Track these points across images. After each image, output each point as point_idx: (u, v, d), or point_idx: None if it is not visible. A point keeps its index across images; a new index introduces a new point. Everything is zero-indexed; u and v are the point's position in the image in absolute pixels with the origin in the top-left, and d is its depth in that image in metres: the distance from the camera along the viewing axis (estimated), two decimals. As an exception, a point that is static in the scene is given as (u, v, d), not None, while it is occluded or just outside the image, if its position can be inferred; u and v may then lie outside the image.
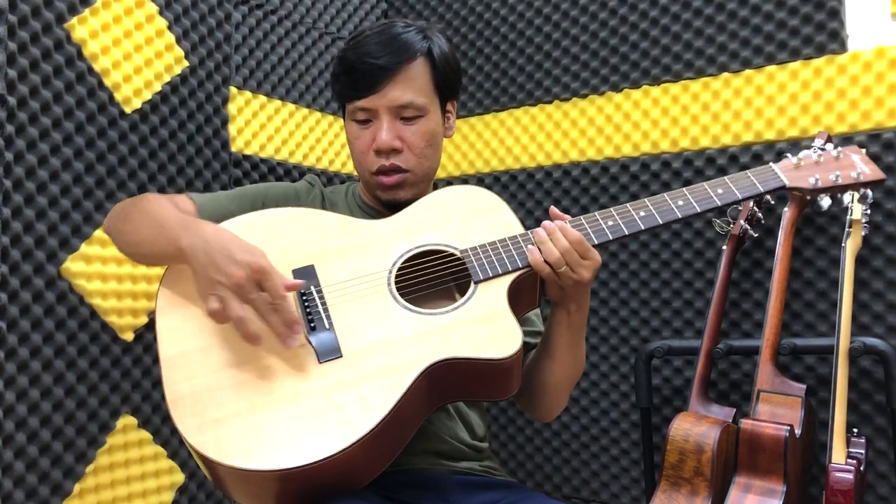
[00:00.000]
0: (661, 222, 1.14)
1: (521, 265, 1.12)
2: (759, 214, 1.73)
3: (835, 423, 1.45)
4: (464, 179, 2.23)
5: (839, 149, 1.22)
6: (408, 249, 1.16)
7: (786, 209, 1.65)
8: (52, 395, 1.43)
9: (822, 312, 1.69)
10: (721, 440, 1.45)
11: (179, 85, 1.70)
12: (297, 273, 1.13)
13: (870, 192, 1.21)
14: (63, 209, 1.46)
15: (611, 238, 1.14)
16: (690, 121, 1.88)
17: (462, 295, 1.12)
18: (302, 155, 2.03)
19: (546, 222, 1.14)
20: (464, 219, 1.20)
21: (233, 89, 1.85)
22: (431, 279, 1.16)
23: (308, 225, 1.19)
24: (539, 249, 1.12)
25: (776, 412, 1.49)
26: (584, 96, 2.04)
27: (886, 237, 1.63)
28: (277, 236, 1.17)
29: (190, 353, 1.07)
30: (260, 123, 1.92)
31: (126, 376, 1.55)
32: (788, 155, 1.21)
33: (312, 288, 1.11)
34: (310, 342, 1.06)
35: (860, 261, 1.63)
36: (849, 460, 1.43)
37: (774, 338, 1.59)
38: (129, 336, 1.55)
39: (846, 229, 1.57)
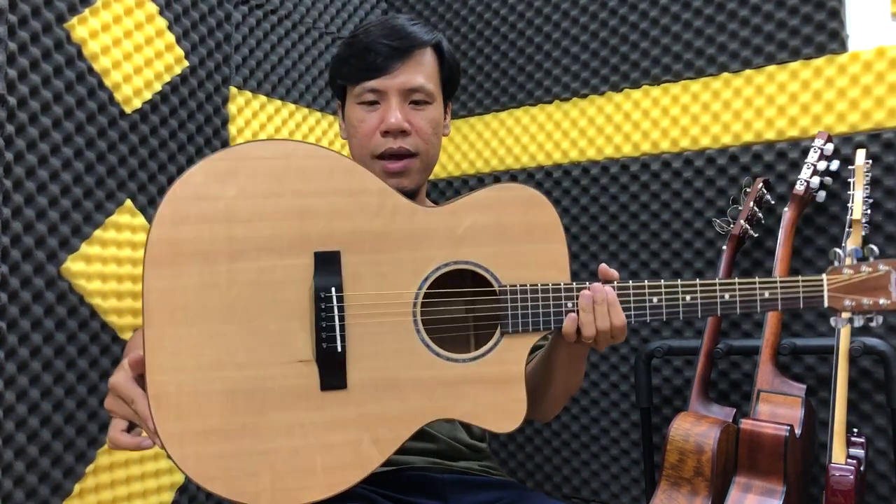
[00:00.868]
0: (699, 316, 1.09)
1: (553, 328, 1.04)
2: (759, 214, 1.73)
3: (835, 423, 1.45)
4: (464, 179, 2.23)
5: (886, 266, 1.13)
6: (445, 263, 1.03)
7: (786, 209, 1.65)
8: (52, 395, 1.42)
9: (823, 312, 1.69)
10: (721, 440, 1.45)
11: (179, 85, 1.70)
12: (320, 258, 0.98)
13: (881, 318, 1.16)
14: (63, 209, 1.46)
15: (647, 321, 1.09)
16: (690, 121, 1.88)
17: (477, 321, 1.07)
18: (302, 155, 2.03)
19: (596, 287, 1.06)
20: (516, 236, 1.06)
21: (233, 89, 1.85)
22: (458, 308, 1.08)
23: (346, 188, 1.02)
24: (578, 316, 1.04)
25: (776, 412, 1.49)
26: (584, 96, 2.04)
27: (886, 237, 1.63)
28: (306, 192, 0.99)
29: (179, 335, 0.93)
30: (260, 123, 1.92)
31: (126, 376, 1.55)
32: (839, 253, 1.16)
33: (333, 293, 0.97)
34: (316, 363, 0.96)
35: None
36: (849, 460, 1.43)
37: (774, 338, 1.59)
38: (129, 336, 1.55)
39: (846, 229, 1.57)
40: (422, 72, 1.24)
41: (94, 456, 1.48)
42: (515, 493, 1.22)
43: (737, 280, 1.10)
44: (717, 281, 1.09)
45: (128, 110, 1.59)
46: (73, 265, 1.46)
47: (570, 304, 1.05)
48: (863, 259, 1.14)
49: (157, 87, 1.66)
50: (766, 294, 1.09)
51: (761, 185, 1.71)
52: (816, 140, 1.64)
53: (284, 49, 2.00)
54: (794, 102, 1.75)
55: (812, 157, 1.63)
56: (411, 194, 1.27)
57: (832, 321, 1.18)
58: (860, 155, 1.59)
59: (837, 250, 1.16)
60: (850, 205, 1.57)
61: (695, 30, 1.88)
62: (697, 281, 1.08)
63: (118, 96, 1.57)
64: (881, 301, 1.12)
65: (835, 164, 1.64)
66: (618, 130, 1.98)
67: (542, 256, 1.06)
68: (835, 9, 1.71)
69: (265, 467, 0.91)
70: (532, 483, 2.06)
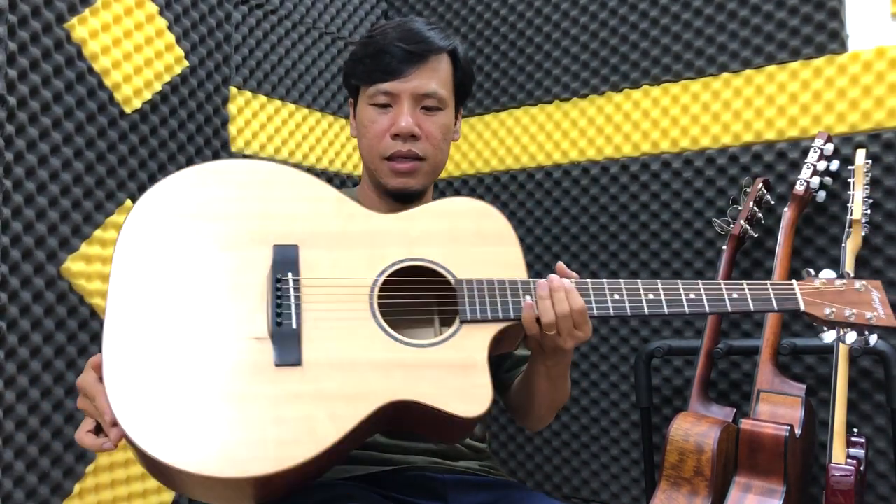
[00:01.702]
0: (665, 313, 1.08)
1: (512, 316, 1.05)
2: (759, 214, 1.73)
3: (835, 423, 1.45)
4: (464, 180, 2.23)
5: (864, 282, 1.14)
6: (401, 259, 1.07)
7: (786, 209, 1.65)
8: (52, 395, 1.42)
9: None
10: (721, 440, 1.45)
11: (179, 85, 1.70)
12: (278, 250, 1.03)
13: (874, 337, 1.14)
14: (63, 209, 1.46)
15: (611, 314, 1.08)
16: (690, 121, 1.88)
17: (443, 324, 1.06)
18: (302, 155, 2.03)
19: (553, 277, 1.07)
20: (469, 240, 1.10)
21: (233, 89, 1.85)
22: (416, 301, 1.08)
23: (304, 195, 1.09)
24: (536, 305, 1.05)
25: (776, 412, 1.49)
26: (584, 96, 2.04)
27: (886, 237, 1.63)
28: (268, 198, 1.06)
29: (142, 309, 0.96)
30: (260, 123, 1.92)
31: (126, 376, 1.55)
32: (811, 272, 1.15)
33: (290, 276, 1.01)
34: (271, 339, 0.97)
35: (860, 261, 1.63)
36: (849, 460, 1.43)
37: (774, 338, 1.59)
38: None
39: (846, 229, 1.57)
40: (435, 77, 1.23)
41: (94, 456, 1.48)
42: (515, 493, 1.21)
43: (701, 282, 1.10)
44: (679, 282, 1.09)
45: (128, 110, 1.59)
46: (73, 265, 1.46)
47: (528, 298, 1.06)
48: (839, 277, 1.15)
49: (157, 87, 1.66)
50: (735, 295, 1.09)
51: (761, 185, 1.71)
52: (816, 140, 1.64)
53: (284, 49, 2.00)
54: (794, 102, 1.75)
55: (812, 157, 1.63)
56: (417, 195, 1.28)
57: (820, 336, 1.15)
58: (860, 155, 1.59)
59: (810, 270, 1.16)
60: (850, 205, 1.57)
61: (695, 30, 1.88)
62: (658, 283, 1.09)
63: (118, 96, 1.57)
64: (868, 314, 1.11)
65: (835, 164, 1.64)
66: (618, 130, 1.98)
67: (497, 258, 1.10)
68: (835, 9, 1.71)
69: (216, 437, 0.90)
70: (532, 483, 2.06)
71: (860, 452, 1.47)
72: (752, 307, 1.09)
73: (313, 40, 2.09)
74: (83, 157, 1.51)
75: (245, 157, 1.87)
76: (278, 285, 1.00)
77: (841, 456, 1.43)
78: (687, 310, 1.08)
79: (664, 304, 1.08)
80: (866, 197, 1.57)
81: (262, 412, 0.92)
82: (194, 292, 0.99)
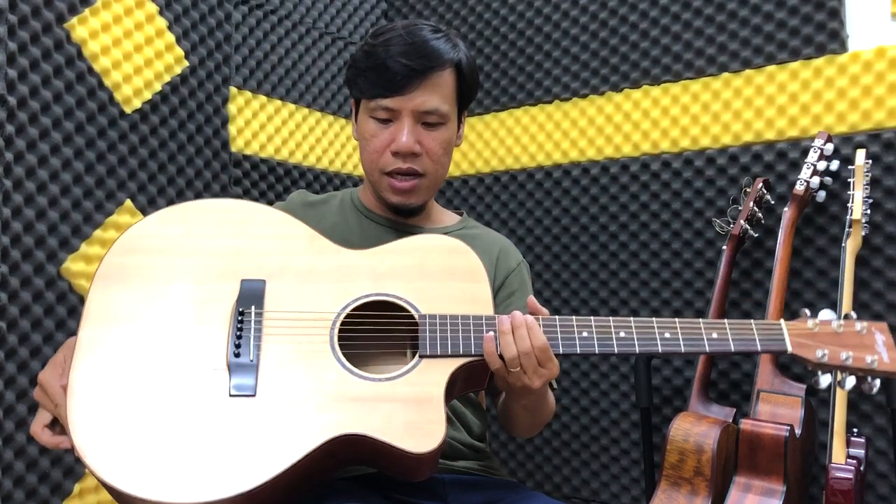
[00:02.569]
0: (637, 352, 1.05)
1: (472, 352, 1.03)
2: (759, 214, 1.73)
3: (835, 423, 1.45)
4: (464, 180, 2.23)
5: (867, 324, 1.07)
6: (366, 294, 1.07)
7: (786, 209, 1.65)
8: (52, 395, 1.42)
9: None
10: (721, 440, 1.45)
11: (179, 85, 1.70)
12: (245, 284, 1.06)
13: (878, 383, 1.06)
14: (63, 209, 1.46)
15: (578, 353, 1.05)
16: (690, 121, 1.88)
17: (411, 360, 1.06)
18: (302, 155, 2.03)
19: (516, 313, 1.04)
20: (438, 276, 1.09)
21: (233, 89, 1.85)
22: (383, 336, 1.08)
23: (277, 233, 1.12)
24: (497, 341, 1.02)
25: (776, 412, 1.49)
26: (584, 96, 2.04)
27: (886, 237, 1.63)
28: (242, 235, 1.10)
29: (109, 339, 1.00)
30: (260, 123, 1.92)
31: (126, 376, 1.55)
32: (807, 313, 1.08)
33: (253, 309, 1.04)
34: (228, 369, 0.99)
35: (860, 261, 1.63)
36: (849, 460, 1.43)
37: (774, 338, 1.59)
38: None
39: (846, 229, 1.57)
40: (437, 93, 1.21)
41: (94, 456, 1.48)
42: (515, 493, 1.21)
43: (678, 320, 1.06)
44: (654, 320, 1.06)
45: (128, 110, 1.59)
46: (73, 265, 1.46)
47: (491, 333, 1.04)
48: (843, 318, 1.08)
49: (157, 87, 1.66)
50: (714, 335, 1.05)
51: (761, 185, 1.71)
52: (816, 140, 1.64)
53: (284, 49, 2.00)
54: (794, 102, 1.75)
55: (812, 157, 1.63)
56: (417, 210, 1.28)
57: (815, 381, 1.07)
58: (860, 155, 1.59)
59: (806, 310, 1.09)
60: (850, 205, 1.57)
61: (695, 30, 1.88)
62: (632, 320, 1.06)
63: (118, 96, 1.57)
64: (868, 358, 1.03)
65: (835, 164, 1.64)
66: (618, 130, 1.98)
67: (465, 294, 1.08)
68: (835, 9, 1.71)
69: (168, 464, 0.92)
70: (532, 483, 2.06)
71: (860, 452, 1.47)
72: (732, 348, 1.04)
73: (313, 40, 2.09)
74: (83, 157, 1.51)
75: (245, 157, 1.87)
76: (240, 318, 1.03)
77: (841, 456, 1.43)
78: (660, 349, 1.04)
79: (636, 342, 1.04)
80: (866, 197, 1.57)
81: (213, 441, 0.95)
82: (162, 325, 1.02)
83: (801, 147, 1.73)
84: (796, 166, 1.72)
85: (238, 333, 1.02)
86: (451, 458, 1.23)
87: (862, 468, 1.44)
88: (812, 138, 1.68)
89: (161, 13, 1.67)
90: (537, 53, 2.12)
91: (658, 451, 1.80)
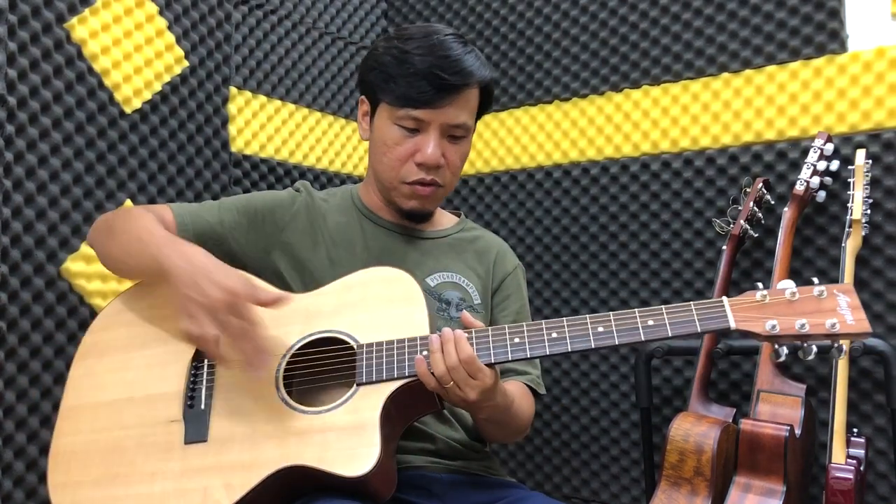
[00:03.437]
0: (569, 350, 1.03)
1: (406, 374, 1.05)
2: (759, 214, 1.73)
3: (835, 423, 1.45)
4: (464, 180, 2.23)
5: (826, 287, 0.98)
6: (311, 333, 1.13)
7: (786, 209, 1.65)
8: (52, 395, 1.42)
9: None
10: (721, 440, 1.45)
11: (179, 85, 1.70)
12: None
13: (844, 346, 0.98)
14: (63, 209, 1.46)
15: (510, 359, 1.05)
16: (690, 121, 1.88)
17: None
18: (302, 155, 2.03)
19: (446, 330, 1.05)
20: (378, 306, 1.13)
21: (233, 89, 1.85)
22: (330, 369, 1.12)
23: None
24: (428, 359, 1.04)
25: (776, 412, 1.49)
26: (584, 96, 2.04)
27: (886, 237, 1.63)
28: None
29: (85, 407, 1.14)
30: (260, 123, 1.92)
31: (126, 376, 1.55)
32: (759, 286, 1.01)
33: (206, 362, 1.13)
34: (184, 420, 1.09)
35: (860, 261, 1.63)
36: (849, 460, 1.43)
37: (774, 338, 1.59)
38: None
39: (846, 229, 1.57)
40: (466, 108, 1.22)
41: (94, 456, 1.49)
42: (515, 493, 1.22)
43: (612, 314, 1.03)
44: (587, 316, 1.04)
45: (128, 110, 1.59)
46: (73, 265, 1.46)
47: (422, 355, 1.05)
48: (806, 285, 1.00)
49: (157, 87, 1.66)
50: (651, 322, 1.01)
51: (761, 185, 1.71)
52: (816, 140, 1.64)
53: (284, 49, 2.00)
54: (794, 102, 1.75)
55: (812, 157, 1.63)
56: (428, 215, 1.30)
57: (773, 355, 1.02)
58: (860, 155, 1.59)
59: (758, 283, 1.01)
60: (850, 205, 1.57)
61: (695, 30, 1.88)
62: (565, 320, 1.05)
63: (118, 96, 1.57)
64: (828, 322, 0.95)
65: (835, 164, 1.64)
66: (618, 130, 1.98)
67: (403, 319, 1.11)
68: (835, 9, 1.71)
69: None
70: (532, 483, 2.06)
71: (860, 452, 1.47)
72: (669, 332, 1.00)
73: (313, 40, 2.09)
74: (83, 157, 1.51)
75: (245, 157, 1.87)
76: (194, 371, 1.13)
77: (841, 456, 1.43)
78: (593, 344, 1.02)
79: (568, 341, 1.03)
80: (866, 197, 1.57)
81: (168, 486, 1.05)
82: (130, 383, 1.14)
83: (801, 147, 1.73)
84: (796, 166, 1.72)
85: (192, 386, 1.12)
86: (450, 458, 1.23)
87: (862, 468, 1.44)
88: (812, 138, 1.68)
89: (161, 13, 1.67)
90: (537, 53, 2.12)
91: (658, 451, 1.80)
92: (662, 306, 1.02)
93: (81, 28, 1.50)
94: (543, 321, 1.06)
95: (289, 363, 1.11)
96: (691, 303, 1.02)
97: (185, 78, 1.72)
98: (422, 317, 1.11)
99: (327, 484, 1.02)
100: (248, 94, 1.89)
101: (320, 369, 1.12)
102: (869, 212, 1.59)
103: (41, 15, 1.43)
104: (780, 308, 0.98)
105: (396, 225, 1.31)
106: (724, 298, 1.01)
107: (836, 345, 0.98)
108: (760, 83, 1.79)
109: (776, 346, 1.00)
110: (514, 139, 2.15)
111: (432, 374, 1.04)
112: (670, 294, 1.88)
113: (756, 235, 1.74)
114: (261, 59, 1.93)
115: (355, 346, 1.10)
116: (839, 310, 0.96)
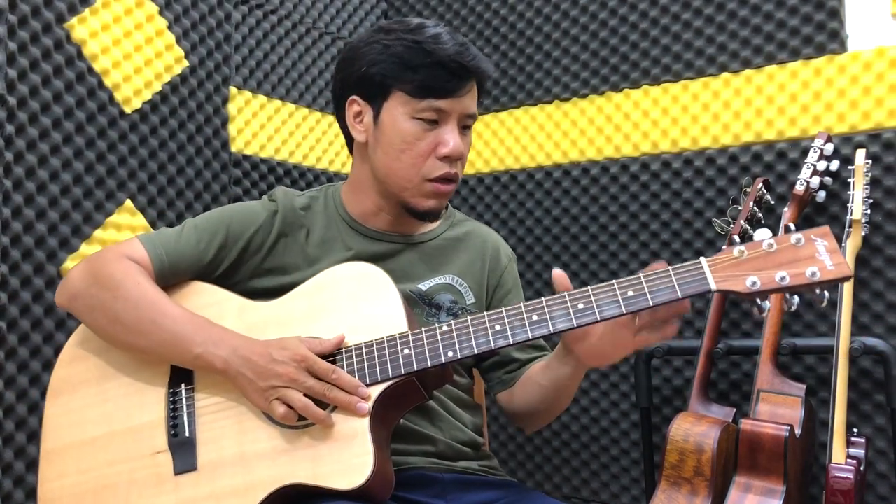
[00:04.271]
0: (551, 331, 1.00)
1: (391, 375, 1.03)
2: (759, 214, 1.73)
3: (835, 423, 1.45)
4: (464, 180, 2.23)
5: (804, 233, 0.95)
6: None
7: (786, 209, 1.65)
8: (52, 395, 1.42)
9: (822, 312, 1.69)
10: (721, 440, 1.45)
11: (179, 85, 1.70)
12: (175, 364, 1.11)
13: (827, 293, 0.95)
14: (63, 209, 1.46)
15: (492, 347, 1.02)
16: (690, 121, 1.88)
17: None
18: (302, 155, 2.03)
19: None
20: (350, 305, 1.10)
21: (233, 89, 1.85)
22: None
23: (209, 301, 1.16)
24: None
25: (776, 412, 1.49)
26: (584, 96, 2.04)
27: (886, 237, 1.63)
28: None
29: (68, 448, 1.11)
30: (260, 123, 1.92)
31: (126, 376, 1.55)
32: (737, 240, 0.96)
33: (183, 387, 1.10)
34: (170, 450, 1.06)
35: (860, 261, 1.63)
36: (849, 460, 1.43)
37: (774, 338, 1.59)
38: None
39: (846, 229, 1.57)
40: (475, 98, 1.22)
41: (94, 456, 1.49)
42: (515, 492, 1.21)
43: (590, 287, 1.00)
44: (565, 294, 1.01)
45: (128, 110, 1.59)
46: (72, 265, 1.46)
47: (405, 351, 1.04)
48: (785, 232, 0.97)
49: (157, 87, 1.66)
50: (630, 292, 0.98)
51: (761, 185, 1.71)
52: (816, 140, 1.64)
53: (284, 49, 2.00)
54: (794, 102, 1.75)
55: (812, 157, 1.63)
56: (440, 214, 1.26)
57: (755, 309, 0.98)
58: (860, 155, 1.59)
59: (735, 237, 0.97)
60: (850, 205, 1.57)
61: (695, 30, 1.88)
62: (543, 299, 1.02)
63: (118, 96, 1.57)
64: (808, 271, 0.91)
65: (835, 164, 1.64)
66: (618, 130, 1.98)
67: (377, 318, 1.08)
68: (835, 9, 1.71)
69: None
70: (532, 483, 2.06)
71: (860, 452, 1.47)
72: (651, 301, 0.96)
73: (313, 40, 2.09)
74: (83, 157, 1.51)
75: (245, 157, 1.87)
76: (172, 397, 1.10)
77: (841, 456, 1.43)
78: (575, 322, 0.99)
79: (549, 322, 1.00)
80: (866, 197, 1.57)
81: None
82: (109, 418, 1.11)
83: (801, 147, 1.73)
84: (796, 166, 1.72)
85: (173, 413, 1.09)
86: (450, 458, 1.23)
87: (862, 468, 1.44)
88: (812, 138, 1.68)
89: (161, 13, 1.67)
90: (537, 53, 2.12)
91: (658, 451, 1.80)
92: (640, 274, 0.98)
93: (81, 28, 1.50)
94: (523, 304, 1.03)
95: None
96: (669, 267, 0.98)
97: (185, 78, 1.72)
98: (398, 311, 1.08)
99: (326, 496, 1.00)
100: (248, 94, 1.89)
101: None
102: (869, 212, 1.59)
103: (41, 15, 1.43)
104: (758, 262, 0.95)
105: (385, 233, 1.27)
106: (703, 259, 0.97)
107: (818, 291, 0.95)
108: (760, 83, 1.79)
109: (787, 296, 0.97)
110: (514, 139, 2.15)
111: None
112: (670, 294, 1.88)
113: (756, 235, 1.74)
114: (261, 59, 1.93)
115: (335, 354, 1.07)
116: (818, 256, 0.93)
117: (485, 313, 1.04)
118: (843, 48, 1.71)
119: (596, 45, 2.02)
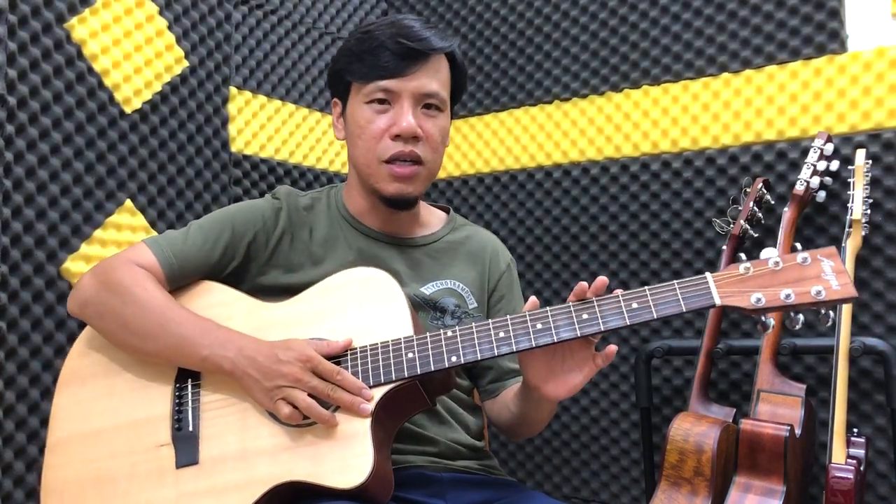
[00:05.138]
0: (555, 340, 1.00)
1: (394, 377, 1.04)
2: (759, 214, 1.73)
3: (835, 423, 1.45)
4: (464, 180, 2.23)
5: (811, 252, 0.96)
6: None
7: (786, 209, 1.65)
8: (51, 395, 1.42)
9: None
10: (721, 440, 1.45)
11: (179, 85, 1.70)
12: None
13: (832, 313, 0.96)
14: (63, 209, 1.46)
15: (496, 354, 1.02)
16: (690, 121, 1.88)
17: None
18: (302, 155, 2.03)
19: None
20: (357, 308, 1.11)
21: (233, 89, 1.85)
22: None
23: (217, 301, 1.17)
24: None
25: (776, 412, 1.49)
26: (584, 96, 2.04)
27: (886, 237, 1.63)
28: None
29: (73, 439, 1.12)
30: (260, 123, 1.92)
31: (126, 376, 1.55)
32: (743, 258, 0.99)
33: (189, 382, 1.11)
34: (173, 443, 1.08)
35: (860, 261, 1.63)
36: (849, 460, 1.43)
37: (774, 338, 1.59)
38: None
39: (846, 229, 1.57)
40: (437, 78, 1.21)
41: (94, 456, 1.49)
42: (515, 492, 1.21)
43: (595, 299, 1.00)
44: (570, 304, 1.01)
45: (128, 110, 1.59)
46: (72, 265, 1.46)
47: (410, 355, 1.04)
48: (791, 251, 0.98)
49: (157, 87, 1.66)
50: (635, 304, 0.98)
51: (761, 185, 1.71)
52: (816, 140, 1.64)
53: (284, 49, 2.00)
54: (794, 102, 1.75)
55: (812, 157, 1.63)
56: (413, 202, 1.26)
57: (759, 326, 1.01)
58: (860, 155, 1.59)
59: (741, 255, 1.00)
60: (850, 205, 1.57)
61: (695, 30, 1.88)
62: (548, 308, 1.02)
63: (118, 96, 1.57)
64: (813, 290, 0.92)
65: (835, 164, 1.64)
66: (618, 130, 1.98)
67: (384, 321, 1.09)
68: (835, 9, 1.71)
69: None
70: (532, 483, 2.06)
71: (860, 452, 1.47)
72: (655, 314, 0.97)
73: (313, 40, 2.09)
74: (83, 157, 1.51)
75: (245, 157, 1.87)
76: (178, 392, 1.11)
77: (841, 456, 1.43)
78: (579, 332, 0.99)
79: (553, 331, 1.00)
80: (866, 197, 1.57)
81: None
82: (115, 411, 1.12)
83: (801, 147, 1.73)
84: (796, 166, 1.72)
85: (178, 408, 1.10)
86: (450, 458, 1.23)
87: (862, 468, 1.44)
88: (812, 138, 1.68)
89: (161, 13, 1.67)
90: (537, 53, 2.12)
91: (658, 451, 1.80)
92: (646, 287, 0.99)
93: (81, 28, 1.50)
94: (528, 312, 1.03)
95: None
96: (675, 281, 0.99)
97: (185, 78, 1.72)
98: (404, 316, 1.09)
99: (325, 495, 1.01)
100: (248, 94, 1.89)
101: None
102: (869, 212, 1.59)
103: (41, 15, 1.43)
104: (764, 279, 0.96)
105: (386, 234, 1.28)
106: (708, 274, 0.99)
107: (823, 311, 0.96)
108: (760, 83, 1.79)
109: (792, 315, 0.98)
110: (514, 139, 2.15)
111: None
112: (670, 294, 1.87)
113: (756, 235, 1.74)
114: (261, 59, 1.93)
115: (339, 356, 1.08)
116: (824, 276, 0.94)
117: (489, 320, 1.05)
118: (843, 48, 1.71)
119: (596, 45, 2.02)
